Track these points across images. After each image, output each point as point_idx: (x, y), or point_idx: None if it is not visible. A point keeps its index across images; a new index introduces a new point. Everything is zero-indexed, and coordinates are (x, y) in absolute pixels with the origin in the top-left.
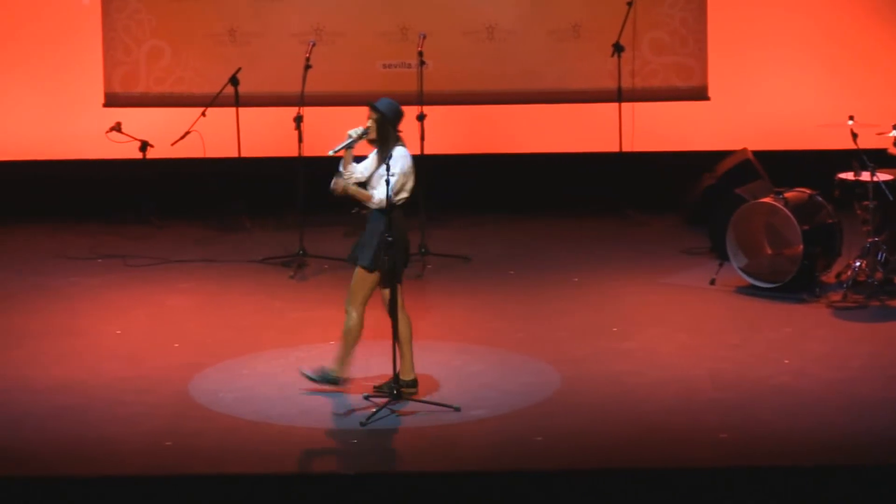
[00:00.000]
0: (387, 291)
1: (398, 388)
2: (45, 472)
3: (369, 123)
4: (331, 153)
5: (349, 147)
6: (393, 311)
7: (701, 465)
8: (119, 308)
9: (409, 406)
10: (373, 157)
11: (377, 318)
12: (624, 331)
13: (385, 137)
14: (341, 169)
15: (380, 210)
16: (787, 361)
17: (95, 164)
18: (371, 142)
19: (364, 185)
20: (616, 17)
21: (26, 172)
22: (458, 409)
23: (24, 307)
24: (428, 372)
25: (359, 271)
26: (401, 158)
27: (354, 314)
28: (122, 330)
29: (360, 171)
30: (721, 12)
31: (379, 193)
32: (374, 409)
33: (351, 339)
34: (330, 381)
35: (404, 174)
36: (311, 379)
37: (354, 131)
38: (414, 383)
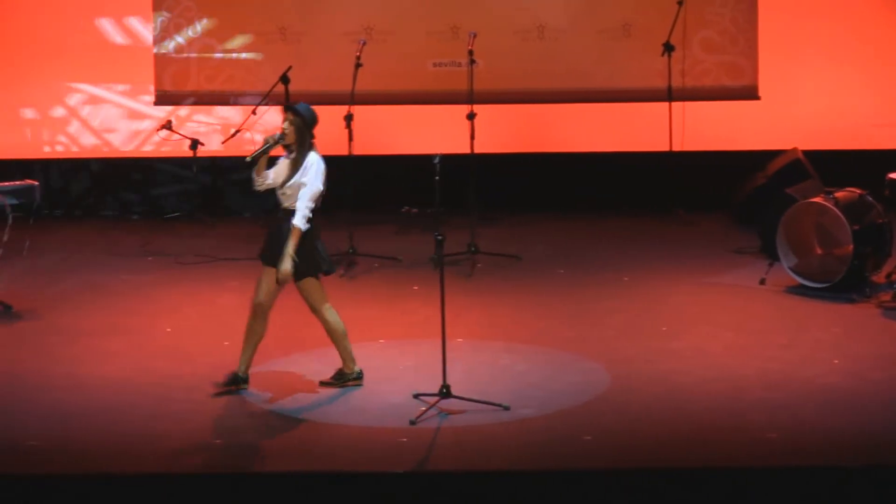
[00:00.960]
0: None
1: (446, 387)
2: (94, 469)
3: (285, 127)
4: (248, 160)
5: (265, 153)
6: (317, 312)
7: (749, 464)
8: (169, 306)
9: (459, 405)
10: (284, 162)
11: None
12: (673, 330)
13: (302, 142)
14: (255, 176)
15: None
16: (836, 361)
17: (146, 161)
18: (286, 146)
19: (274, 190)
20: (666, 16)
21: (79, 170)
22: (507, 408)
23: (76, 305)
24: (476, 371)
25: (303, 283)
26: (319, 164)
27: (326, 315)
28: (172, 328)
29: (271, 177)
30: (772, 11)
31: (301, 207)
32: (424, 408)
33: (340, 336)
34: (351, 378)
35: (323, 182)
36: (332, 385)
37: (271, 137)
38: (359, 375)
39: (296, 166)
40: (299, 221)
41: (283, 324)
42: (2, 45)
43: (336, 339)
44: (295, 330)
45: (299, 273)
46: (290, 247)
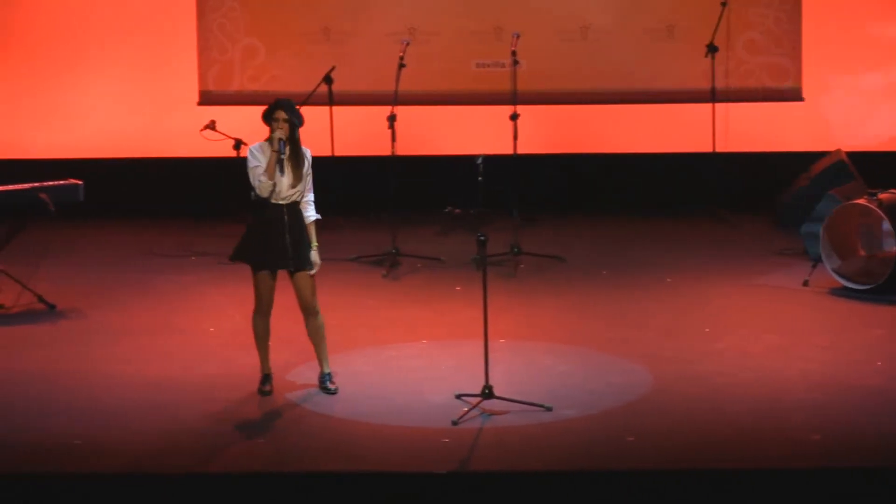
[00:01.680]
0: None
1: (489, 388)
2: (137, 468)
3: (281, 127)
4: (265, 178)
5: (280, 160)
6: (313, 307)
7: (791, 466)
8: (212, 306)
9: (501, 406)
10: (259, 155)
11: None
12: (715, 331)
13: (295, 140)
14: (269, 182)
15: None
16: (879, 363)
17: (190, 162)
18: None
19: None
20: (710, 17)
21: (122, 170)
22: (549, 409)
23: (121, 304)
24: (519, 371)
25: (312, 276)
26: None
27: (319, 310)
28: (214, 327)
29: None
30: (816, 12)
31: (311, 199)
32: (466, 409)
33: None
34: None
35: None
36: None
37: (279, 142)
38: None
39: (299, 162)
40: (315, 212)
41: (333, 324)
42: (46, 46)
43: (323, 337)
44: (341, 330)
45: (309, 261)
46: (315, 238)
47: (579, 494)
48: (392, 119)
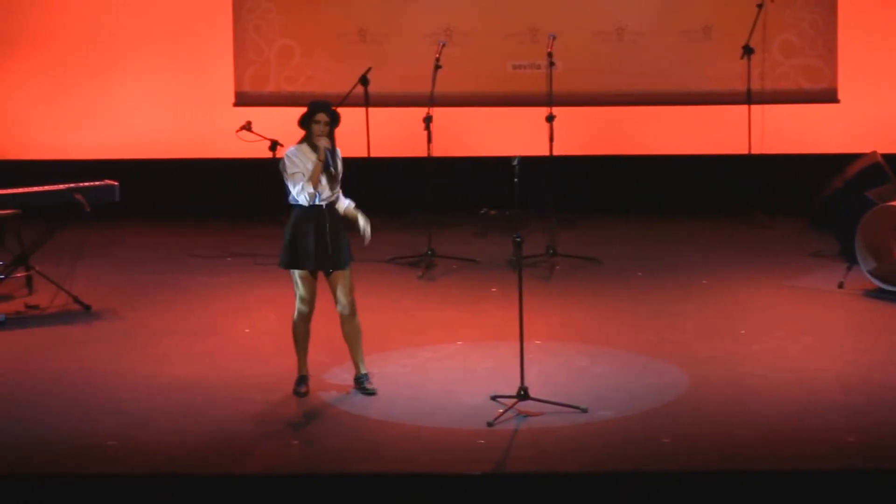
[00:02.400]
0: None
1: (524, 389)
2: (172, 469)
3: (322, 130)
4: (312, 186)
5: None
6: (350, 304)
7: (827, 467)
8: (248, 307)
9: (536, 407)
10: (314, 160)
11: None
12: (751, 333)
13: (333, 139)
14: (314, 189)
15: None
16: None
17: (226, 162)
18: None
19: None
20: (746, 18)
21: (158, 171)
22: (585, 410)
23: (156, 305)
24: (554, 373)
25: (348, 271)
26: None
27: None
28: (250, 328)
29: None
30: (851, 14)
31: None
32: (502, 410)
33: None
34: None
35: None
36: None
37: (327, 153)
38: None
39: (335, 160)
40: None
41: (368, 325)
42: (82, 48)
43: (359, 337)
44: (377, 332)
45: (347, 260)
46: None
47: (614, 496)
48: (428, 120)
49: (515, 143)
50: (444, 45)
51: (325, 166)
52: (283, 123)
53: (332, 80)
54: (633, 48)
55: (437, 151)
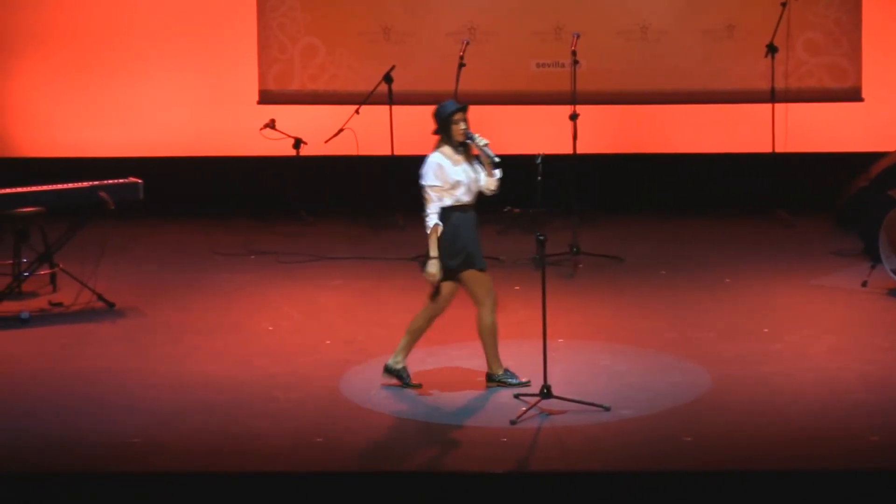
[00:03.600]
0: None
1: (547, 387)
2: (195, 467)
3: (464, 128)
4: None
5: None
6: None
7: (850, 467)
8: (271, 304)
9: (559, 405)
10: (461, 161)
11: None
12: (774, 332)
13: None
14: (490, 176)
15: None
16: None
17: (250, 160)
18: (461, 144)
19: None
20: (770, 17)
21: (182, 168)
22: (608, 409)
23: (179, 303)
24: (577, 371)
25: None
26: None
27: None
28: (273, 326)
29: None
30: (876, 12)
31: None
32: (525, 408)
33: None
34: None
35: None
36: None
37: (484, 142)
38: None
39: (471, 161)
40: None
41: (392, 323)
42: (106, 45)
43: (480, 337)
44: (400, 329)
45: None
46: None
47: (636, 495)
48: None
49: (539, 142)
50: (467, 44)
51: (478, 160)
52: (306, 121)
53: (356, 78)
54: (656, 47)
55: None
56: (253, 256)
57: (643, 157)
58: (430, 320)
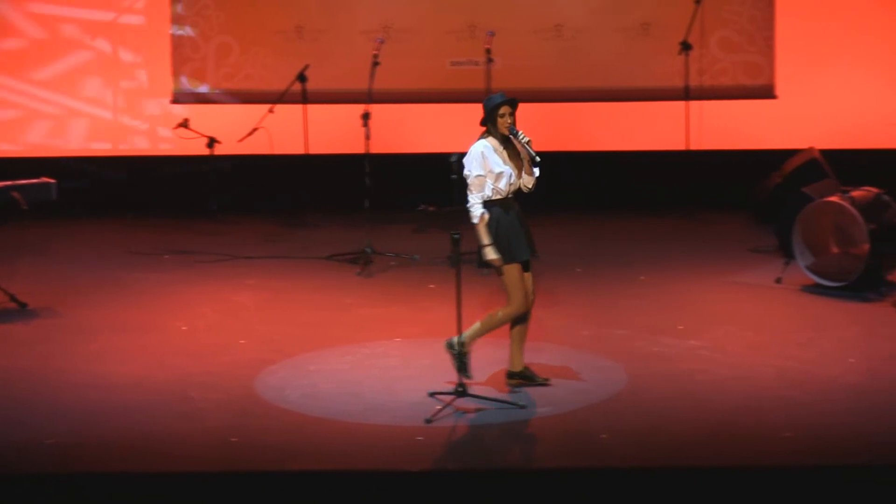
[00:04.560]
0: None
1: (462, 386)
2: (112, 467)
3: (508, 122)
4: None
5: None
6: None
7: (767, 463)
8: (186, 304)
9: (475, 403)
10: (503, 153)
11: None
12: (690, 329)
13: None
14: (529, 174)
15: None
16: (852, 360)
17: (163, 160)
18: (505, 138)
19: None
20: (685, 15)
21: (95, 168)
22: (523, 407)
23: (95, 303)
24: (493, 369)
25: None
26: None
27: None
28: (188, 326)
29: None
30: (789, 10)
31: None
32: (440, 407)
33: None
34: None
35: None
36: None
37: (529, 143)
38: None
39: (514, 155)
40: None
41: (307, 322)
42: (20, 44)
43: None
44: (316, 329)
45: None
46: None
47: (551, 492)
48: (366, 117)
49: (454, 140)
50: (382, 42)
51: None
52: (220, 121)
53: (270, 77)
54: (571, 45)
55: (376, 148)
56: (167, 256)
57: (559, 155)
58: (524, 316)
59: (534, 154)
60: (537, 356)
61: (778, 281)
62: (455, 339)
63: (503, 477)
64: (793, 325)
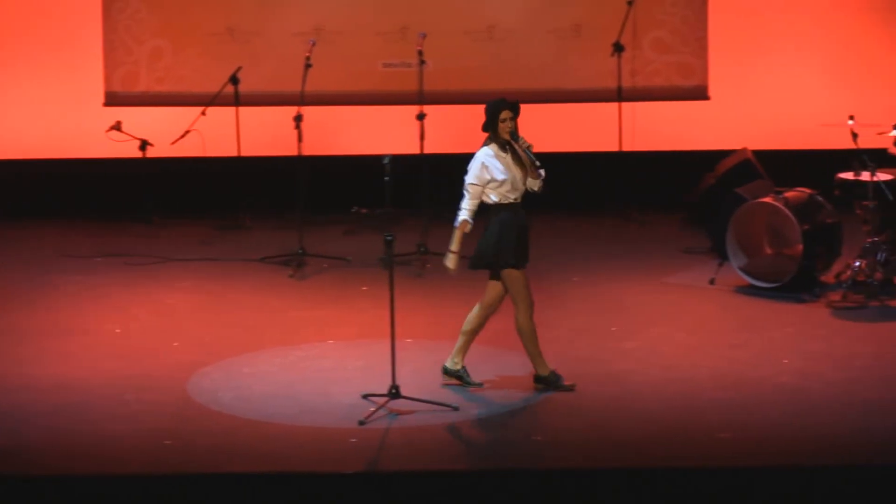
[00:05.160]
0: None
1: (396, 388)
2: (45, 470)
3: (510, 126)
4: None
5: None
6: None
7: (702, 464)
8: (119, 306)
9: (408, 405)
10: (506, 159)
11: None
12: (625, 330)
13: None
14: (534, 178)
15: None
16: (786, 361)
17: (96, 163)
18: (507, 143)
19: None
20: (617, 16)
21: (27, 171)
22: (456, 409)
23: (27, 305)
24: (426, 371)
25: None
26: None
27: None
28: (121, 328)
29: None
30: (722, 11)
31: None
32: (373, 409)
33: (523, 338)
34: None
35: None
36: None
37: (529, 149)
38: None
39: (518, 160)
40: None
41: (241, 324)
42: None
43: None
44: (248, 331)
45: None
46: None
47: (485, 494)
48: (298, 119)
49: (387, 142)
50: (314, 44)
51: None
52: (153, 123)
53: (202, 79)
54: (503, 46)
55: (308, 150)
56: (100, 258)
57: None
58: (483, 320)
59: (535, 160)
60: (469, 358)
61: (712, 282)
62: (447, 364)
63: (435, 479)
64: (727, 326)
